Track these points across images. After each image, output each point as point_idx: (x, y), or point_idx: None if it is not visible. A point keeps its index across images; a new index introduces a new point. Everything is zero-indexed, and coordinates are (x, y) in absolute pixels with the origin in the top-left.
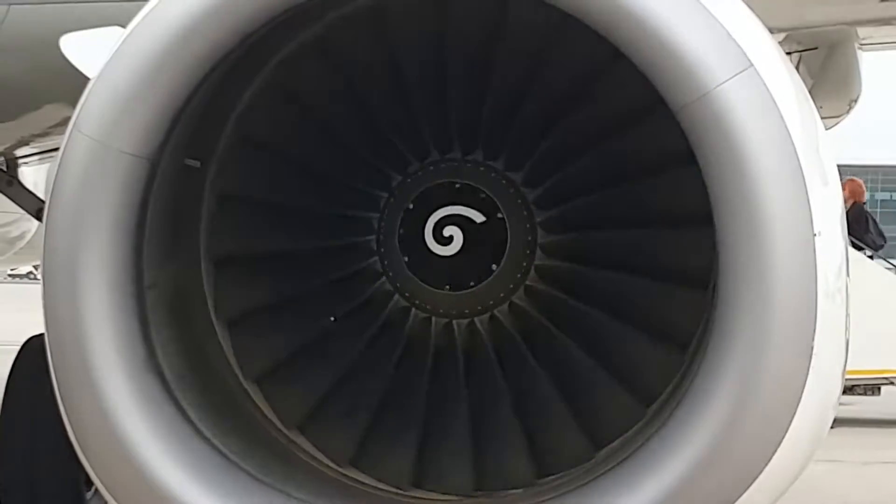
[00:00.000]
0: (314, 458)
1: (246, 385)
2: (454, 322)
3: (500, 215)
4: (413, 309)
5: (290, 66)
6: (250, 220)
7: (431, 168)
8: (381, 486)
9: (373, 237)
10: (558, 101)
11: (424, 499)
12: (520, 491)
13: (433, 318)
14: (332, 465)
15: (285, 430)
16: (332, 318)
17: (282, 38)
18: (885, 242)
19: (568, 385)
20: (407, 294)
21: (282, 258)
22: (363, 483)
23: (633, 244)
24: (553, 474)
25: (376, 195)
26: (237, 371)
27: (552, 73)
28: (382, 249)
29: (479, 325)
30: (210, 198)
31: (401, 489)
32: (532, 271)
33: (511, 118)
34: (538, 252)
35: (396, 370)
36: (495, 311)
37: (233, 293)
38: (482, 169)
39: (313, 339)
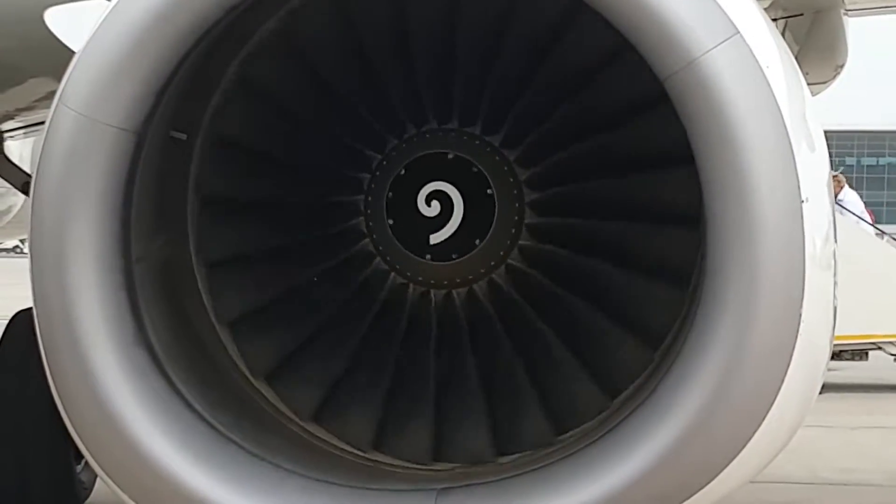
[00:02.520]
0: (306, 431)
1: (250, 377)
2: (454, 291)
3: (489, 191)
4: (410, 284)
5: (259, 57)
6: (234, 219)
7: (426, 136)
8: (396, 462)
9: (360, 219)
10: (563, 85)
11: (408, 467)
12: (502, 462)
13: (431, 291)
14: (349, 448)
15: (302, 423)
16: (313, 276)
17: (250, 25)
18: None
19: (575, 338)
20: (397, 267)
21: (264, 205)
22: (344, 450)
23: (619, 234)
24: (570, 430)
25: (369, 156)
26: (242, 367)
27: (560, 56)
28: (371, 223)
29: (478, 290)
30: (194, 180)
31: (423, 464)
32: (516, 250)
33: (514, 96)
34: (524, 232)
35: (401, 349)
36: (493, 275)
37: (218, 238)
38: (478, 143)
39: (313, 330)
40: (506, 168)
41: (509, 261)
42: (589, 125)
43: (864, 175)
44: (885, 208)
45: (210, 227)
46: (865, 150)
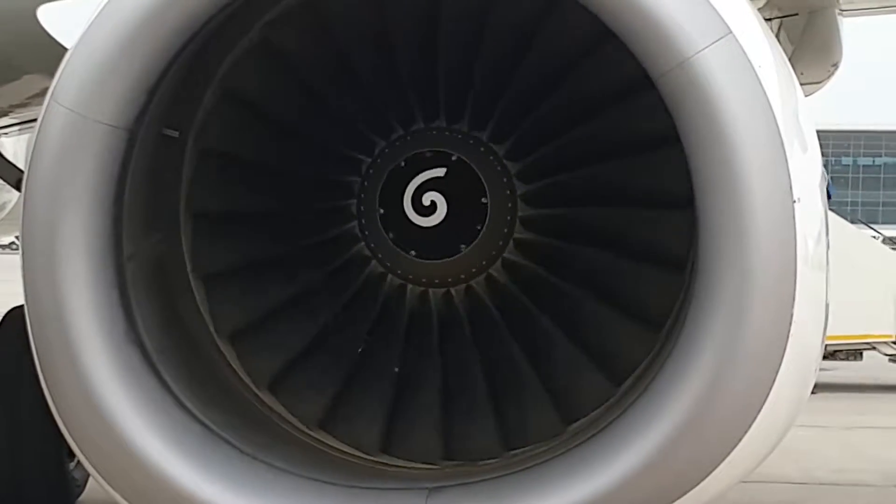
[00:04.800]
0: (290, 425)
1: (220, 344)
2: (430, 291)
3: (481, 186)
4: (389, 275)
5: (276, 26)
6: (230, 177)
7: (415, 136)
8: (350, 450)
9: (353, 201)
10: (547, 77)
11: (399, 466)
12: (492, 461)
13: (408, 286)
14: (302, 427)
15: (257, 391)
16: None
17: (248, 22)
18: None
19: (540, 359)
20: (386, 262)
21: (260, 217)
22: (334, 448)
23: (613, 222)
24: (520, 447)
25: (359, 160)
26: (211, 329)
27: (542, 48)
28: (363, 218)
29: (454, 295)
30: (190, 163)
31: (369, 454)
32: (511, 244)
33: (499, 90)
34: (518, 225)
35: (370, 335)
36: (472, 282)
37: (210, 249)
38: (467, 140)
39: (287, 299)
40: (504, 180)
41: (491, 271)
42: (574, 115)
43: (861, 175)
44: (881, 208)
45: (199, 177)
46: (862, 150)
